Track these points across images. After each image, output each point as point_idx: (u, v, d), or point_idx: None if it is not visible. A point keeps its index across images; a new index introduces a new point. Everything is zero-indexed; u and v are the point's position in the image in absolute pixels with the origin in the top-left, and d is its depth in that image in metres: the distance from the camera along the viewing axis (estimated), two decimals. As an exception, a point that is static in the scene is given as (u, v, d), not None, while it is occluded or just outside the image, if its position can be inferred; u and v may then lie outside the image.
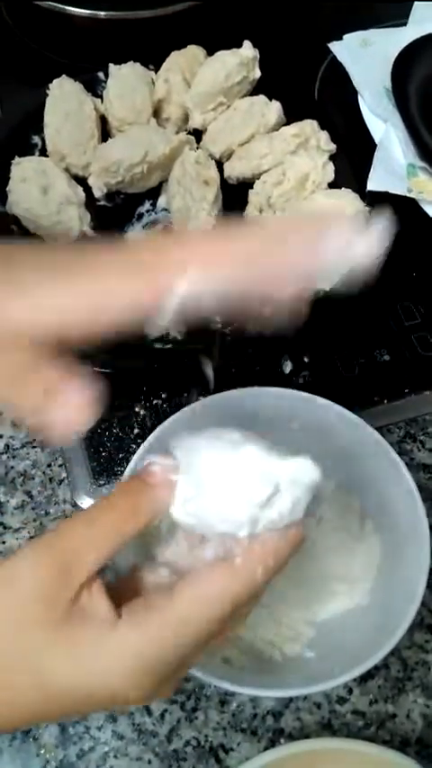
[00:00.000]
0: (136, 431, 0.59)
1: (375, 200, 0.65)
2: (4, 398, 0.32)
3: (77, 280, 0.31)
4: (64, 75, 0.69)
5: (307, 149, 0.67)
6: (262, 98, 0.69)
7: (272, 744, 0.50)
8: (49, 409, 0.31)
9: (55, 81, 0.68)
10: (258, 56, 0.69)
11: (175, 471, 0.33)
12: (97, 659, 0.30)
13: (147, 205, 0.68)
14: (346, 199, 0.62)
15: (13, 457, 0.59)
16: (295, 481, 0.33)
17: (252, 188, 0.66)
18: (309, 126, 0.67)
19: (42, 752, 0.50)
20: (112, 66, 0.70)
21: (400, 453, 0.58)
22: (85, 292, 0.31)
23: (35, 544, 0.31)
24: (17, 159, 0.65)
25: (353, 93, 0.72)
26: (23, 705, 0.31)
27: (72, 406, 0.31)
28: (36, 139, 0.69)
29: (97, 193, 0.66)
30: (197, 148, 0.68)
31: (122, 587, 0.34)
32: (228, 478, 0.33)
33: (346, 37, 0.75)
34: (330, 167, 0.66)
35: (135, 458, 0.48)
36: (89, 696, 0.30)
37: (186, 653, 0.31)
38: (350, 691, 0.51)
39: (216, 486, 0.33)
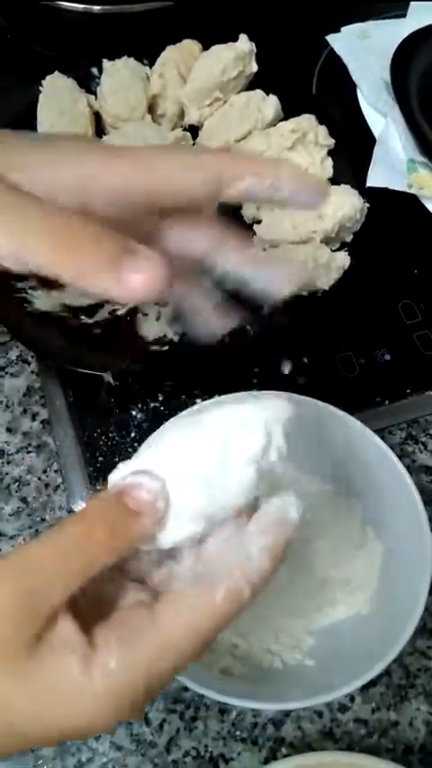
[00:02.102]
0: (133, 434, 0.58)
1: (375, 197, 0.64)
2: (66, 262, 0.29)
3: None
4: (57, 72, 0.68)
5: (305, 145, 0.65)
6: (259, 93, 0.67)
7: (272, 753, 0.49)
8: (123, 266, 0.29)
9: (48, 77, 0.67)
10: (255, 50, 0.67)
11: (163, 496, 0.30)
12: (71, 701, 0.27)
13: (142, 203, 0.67)
14: (345, 196, 0.61)
15: (8, 462, 0.58)
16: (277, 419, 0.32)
17: (249, 185, 0.65)
18: (307, 121, 0.66)
19: (40, 762, 0.49)
20: (105, 62, 0.68)
21: (401, 456, 0.58)
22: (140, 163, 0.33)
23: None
24: (10, 158, 0.64)
25: (351, 87, 0.71)
26: None
27: (148, 267, 0.29)
28: (29, 137, 0.68)
29: (92, 192, 0.65)
30: (193, 145, 0.67)
31: (85, 598, 0.30)
32: (203, 451, 0.31)
33: (344, 29, 0.74)
34: (329, 163, 0.65)
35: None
36: (58, 735, 0.28)
37: (165, 679, 0.29)
38: (352, 699, 0.51)
39: (196, 465, 0.31)
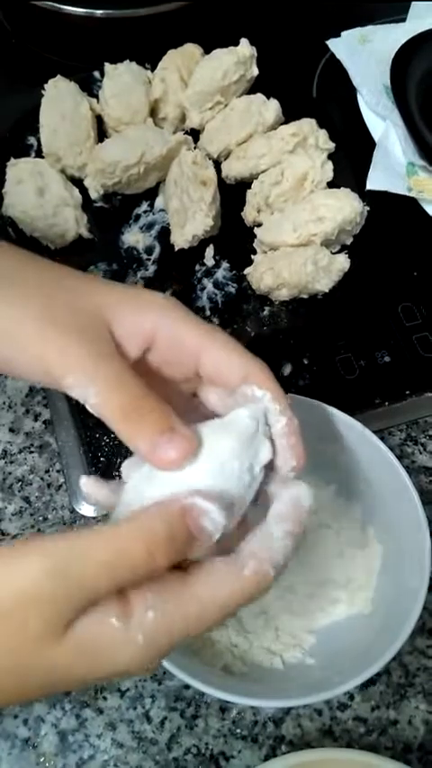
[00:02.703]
0: (134, 435, 0.58)
1: (375, 200, 0.65)
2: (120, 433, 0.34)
3: None
4: (59, 75, 0.68)
5: (305, 148, 0.66)
6: (260, 97, 0.68)
7: (272, 751, 0.49)
8: (162, 442, 0.33)
9: (50, 81, 0.68)
10: (256, 54, 0.68)
11: (222, 529, 0.32)
12: (111, 652, 0.30)
13: (144, 206, 0.68)
14: (346, 199, 0.61)
15: (11, 462, 0.58)
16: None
17: (250, 188, 0.66)
18: (307, 125, 0.66)
19: (42, 760, 0.49)
20: (107, 66, 0.69)
21: (400, 457, 0.58)
22: None
23: (48, 558, 0.29)
24: (12, 161, 0.65)
25: (352, 91, 0.71)
26: (32, 691, 0.31)
27: (181, 445, 0.33)
28: (31, 140, 0.69)
29: (94, 195, 0.66)
30: (194, 148, 0.67)
31: None
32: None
33: (344, 34, 0.74)
34: (329, 166, 0.65)
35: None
36: (99, 679, 0.31)
37: (184, 641, 0.32)
38: (351, 697, 0.51)
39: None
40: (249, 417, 0.35)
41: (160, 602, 0.30)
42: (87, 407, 0.34)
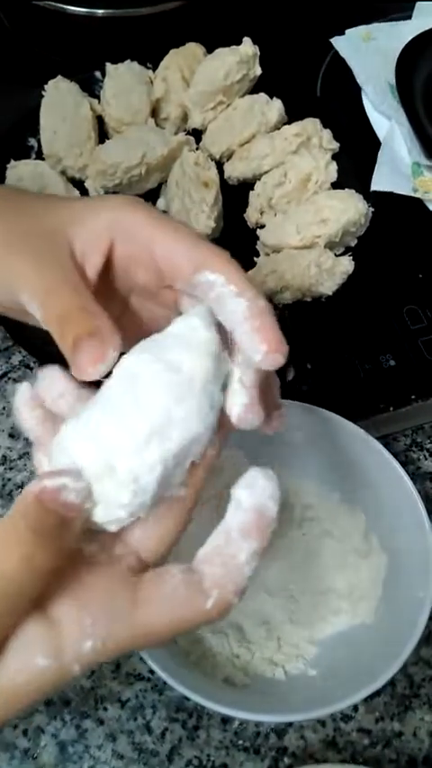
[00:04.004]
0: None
1: (379, 201, 0.64)
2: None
3: None
4: (60, 76, 0.68)
5: (309, 148, 0.65)
6: (263, 96, 0.67)
7: (275, 763, 0.49)
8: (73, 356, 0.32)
9: (51, 81, 0.67)
10: (258, 53, 0.67)
11: (88, 495, 0.29)
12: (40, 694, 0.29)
13: (145, 208, 0.67)
14: (350, 200, 0.61)
15: (11, 468, 0.57)
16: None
17: (253, 189, 0.65)
18: (311, 124, 0.65)
19: (41, 771, 0.49)
20: (108, 66, 0.68)
21: (406, 463, 0.57)
22: None
23: None
24: (12, 163, 0.64)
25: (356, 90, 0.70)
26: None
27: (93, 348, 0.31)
28: (32, 142, 0.68)
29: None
30: (196, 149, 0.66)
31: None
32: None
33: (348, 32, 0.73)
34: (333, 167, 0.64)
35: None
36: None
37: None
38: (355, 708, 0.50)
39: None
40: (189, 327, 0.32)
41: (102, 629, 0.28)
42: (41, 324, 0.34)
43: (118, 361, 0.32)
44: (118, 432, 0.30)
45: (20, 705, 0.28)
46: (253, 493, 0.30)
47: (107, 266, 0.36)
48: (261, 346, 0.31)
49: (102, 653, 0.29)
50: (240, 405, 0.33)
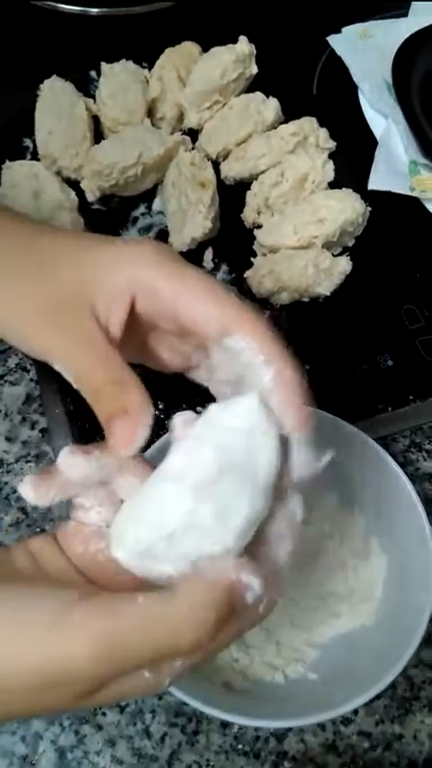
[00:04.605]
0: (133, 443, 0.57)
1: (377, 200, 0.63)
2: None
3: None
4: (55, 75, 0.67)
5: (306, 148, 0.65)
6: (259, 95, 0.67)
7: (275, 767, 0.48)
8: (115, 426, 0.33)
9: (46, 81, 0.67)
10: (255, 51, 0.67)
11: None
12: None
13: (142, 208, 0.66)
14: (347, 200, 0.60)
15: (8, 472, 0.57)
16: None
17: (249, 189, 0.64)
18: (308, 123, 0.65)
19: (40, 777, 0.48)
20: (104, 65, 0.68)
21: (405, 464, 0.57)
22: None
23: (92, 645, 0.27)
24: (7, 163, 0.64)
25: (353, 88, 0.70)
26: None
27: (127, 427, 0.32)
28: (27, 142, 0.68)
29: (90, 197, 0.65)
30: (193, 149, 0.66)
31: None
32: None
33: (344, 29, 0.73)
34: (330, 166, 0.64)
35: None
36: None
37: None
38: (355, 711, 0.50)
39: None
40: (250, 422, 0.31)
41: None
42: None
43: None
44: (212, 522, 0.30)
45: None
46: (281, 502, 0.32)
47: (130, 314, 0.35)
48: (288, 421, 0.32)
49: (187, 670, 0.30)
50: (301, 464, 0.34)
